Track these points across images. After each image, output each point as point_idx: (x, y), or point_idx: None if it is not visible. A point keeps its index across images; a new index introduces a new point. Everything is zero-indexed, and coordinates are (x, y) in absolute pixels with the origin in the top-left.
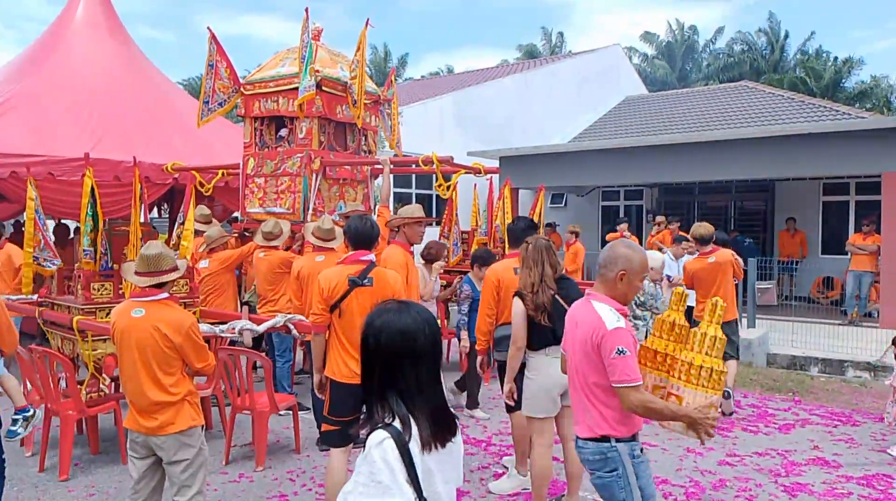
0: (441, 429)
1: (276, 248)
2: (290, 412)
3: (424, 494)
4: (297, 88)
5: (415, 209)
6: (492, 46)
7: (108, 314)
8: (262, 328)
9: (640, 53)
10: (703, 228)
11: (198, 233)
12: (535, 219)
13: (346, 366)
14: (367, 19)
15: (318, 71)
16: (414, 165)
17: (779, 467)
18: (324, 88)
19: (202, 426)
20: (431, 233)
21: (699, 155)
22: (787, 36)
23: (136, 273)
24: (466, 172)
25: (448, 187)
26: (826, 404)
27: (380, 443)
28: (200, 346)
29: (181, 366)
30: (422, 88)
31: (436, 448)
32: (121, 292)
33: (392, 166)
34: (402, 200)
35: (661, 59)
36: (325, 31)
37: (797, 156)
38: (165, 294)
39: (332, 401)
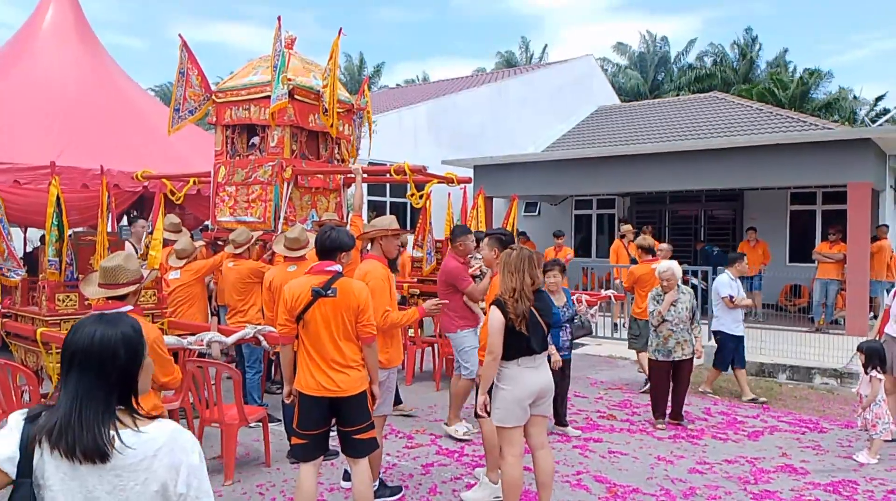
0: (67, 442)
1: (244, 257)
2: (261, 424)
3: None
4: (269, 97)
5: (390, 221)
6: (467, 56)
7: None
8: (231, 339)
9: (613, 64)
10: (646, 240)
11: (167, 243)
12: (509, 228)
13: (312, 378)
14: (340, 28)
15: (290, 79)
16: (387, 175)
17: (748, 474)
18: (296, 96)
19: None
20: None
21: (670, 165)
22: (759, 48)
23: (99, 285)
24: (439, 182)
25: (421, 197)
26: (794, 410)
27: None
28: (165, 360)
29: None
30: (396, 96)
31: (64, 456)
32: (87, 302)
33: (365, 175)
34: (376, 208)
35: (633, 69)
36: (297, 39)
37: (765, 166)
38: (129, 307)
39: (300, 414)
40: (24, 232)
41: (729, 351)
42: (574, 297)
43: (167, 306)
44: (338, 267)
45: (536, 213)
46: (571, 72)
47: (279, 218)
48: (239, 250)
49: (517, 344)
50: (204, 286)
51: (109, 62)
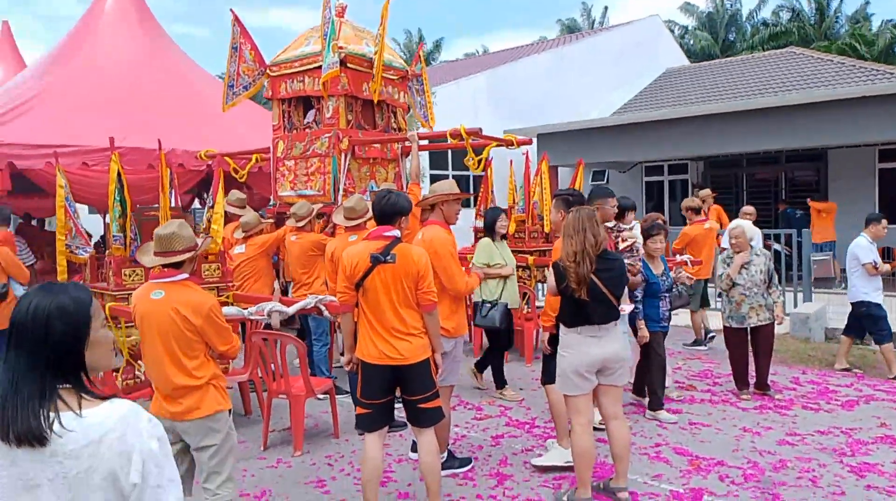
0: (1, 425)
1: (305, 230)
2: (328, 396)
3: None
4: (321, 67)
5: (451, 185)
6: (527, 27)
7: None
8: (292, 309)
9: (680, 26)
10: (694, 201)
11: (233, 218)
12: None
13: (374, 346)
14: None
15: (341, 48)
16: (442, 141)
17: (843, 446)
18: (349, 65)
19: (229, 411)
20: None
21: (745, 124)
22: (840, 0)
23: (154, 253)
24: (498, 145)
25: (480, 162)
26: (891, 379)
27: None
28: (223, 328)
29: (204, 349)
30: (455, 69)
31: (1, 440)
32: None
33: (422, 143)
34: (437, 181)
35: (702, 30)
36: (350, 7)
37: (850, 121)
38: (185, 275)
39: (362, 383)
40: (104, 217)
41: (883, 320)
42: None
43: (233, 280)
44: (396, 232)
45: (605, 181)
46: (635, 34)
47: (339, 190)
48: (301, 224)
49: (577, 313)
50: (269, 261)
51: (172, 47)
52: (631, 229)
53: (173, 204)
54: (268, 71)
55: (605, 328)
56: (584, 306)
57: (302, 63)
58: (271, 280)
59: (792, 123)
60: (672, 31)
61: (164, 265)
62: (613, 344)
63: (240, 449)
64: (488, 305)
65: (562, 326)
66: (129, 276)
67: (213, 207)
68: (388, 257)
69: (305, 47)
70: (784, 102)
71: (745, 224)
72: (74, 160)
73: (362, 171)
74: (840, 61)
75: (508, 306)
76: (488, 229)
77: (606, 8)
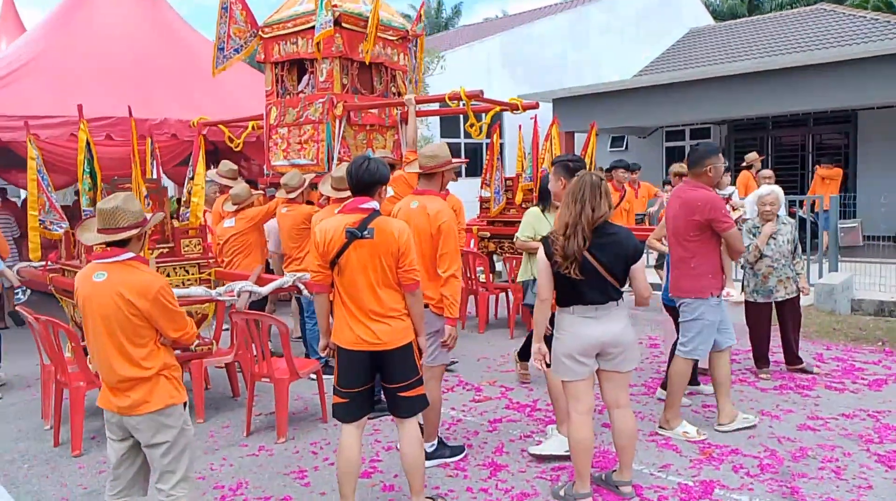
0: None
1: (297, 202)
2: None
3: None
4: (315, 27)
5: (441, 148)
6: None
7: None
8: (265, 289)
9: None
10: (683, 168)
11: (225, 190)
12: (587, 160)
13: (350, 330)
14: None
15: (336, 6)
16: (440, 104)
17: (870, 431)
18: (344, 24)
19: (185, 404)
20: (472, 183)
21: (771, 85)
22: None
23: (98, 230)
24: (502, 109)
25: (481, 127)
26: None
27: None
28: (174, 312)
29: (154, 336)
30: (470, 33)
31: None
32: None
33: (419, 108)
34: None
35: None
36: None
37: (883, 80)
38: (130, 254)
39: (339, 370)
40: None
41: None
42: None
43: (222, 256)
44: (375, 204)
45: (623, 147)
46: None
47: (333, 159)
48: (292, 195)
49: (568, 291)
50: (261, 235)
51: (168, 11)
52: (729, 196)
53: (154, 176)
54: (260, 33)
55: (602, 307)
56: (577, 285)
57: (295, 24)
58: (262, 256)
59: (822, 82)
60: None
61: (108, 244)
62: (613, 325)
63: (222, 435)
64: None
65: (556, 306)
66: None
67: (192, 178)
68: (366, 233)
69: (298, 6)
70: (813, 60)
71: (777, 190)
72: (63, 131)
73: (358, 138)
74: (874, 17)
75: None
76: (542, 197)
77: None
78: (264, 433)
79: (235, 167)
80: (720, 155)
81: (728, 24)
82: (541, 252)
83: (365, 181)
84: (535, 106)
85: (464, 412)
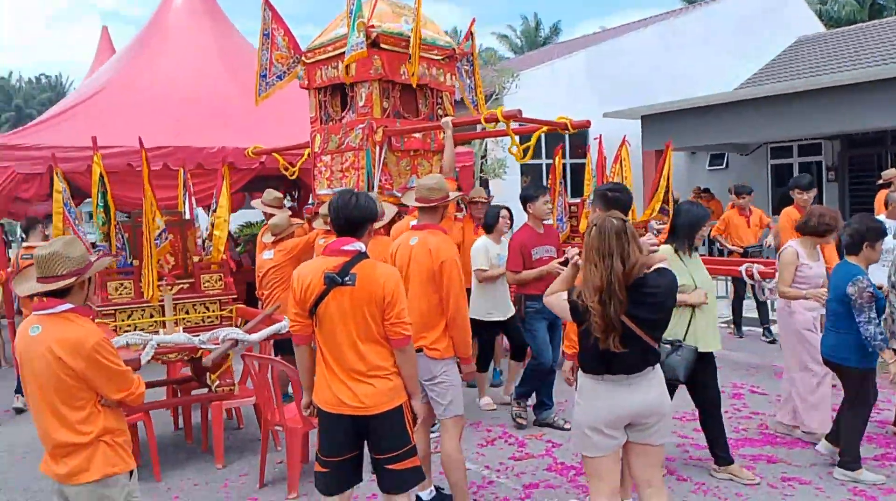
0: None
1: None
2: None
3: None
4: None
5: (441, 181)
6: (652, 6)
7: (129, 316)
8: (255, 337)
9: None
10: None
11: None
12: (662, 183)
13: (329, 390)
14: None
15: (372, 26)
16: (479, 127)
17: None
18: (383, 45)
19: (130, 473)
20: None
21: (890, 95)
22: None
23: (37, 279)
24: (550, 130)
25: (525, 150)
26: None
27: None
28: (114, 371)
29: (92, 397)
30: (558, 50)
31: None
32: (142, 291)
33: (456, 130)
34: (529, 173)
35: None
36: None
37: None
38: (67, 305)
39: (319, 435)
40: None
41: None
42: (743, 267)
43: (263, 288)
44: (360, 246)
45: (724, 166)
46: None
47: (372, 187)
48: (329, 226)
49: (598, 358)
50: None
51: (237, 41)
52: None
53: (186, 211)
54: (303, 58)
55: (639, 375)
56: (614, 354)
57: (335, 47)
58: None
59: None
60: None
61: (44, 294)
62: (648, 393)
63: (235, 486)
64: (668, 346)
65: (581, 368)
66: (117, 290)
67: (216, 211)
68: (346, 279)
69: (339, 29)
70: None
71: None
72: (120, 161)
73: (402, 164)
74: None
75: (699, 351)
76: (678, 234)
77: None
78: (277, 486)
79: (280, 195)
80: None
81: (842, 30)
82: (563, 302)
83: (354, 220)
84: (587, 125)
85: (498, 473)
